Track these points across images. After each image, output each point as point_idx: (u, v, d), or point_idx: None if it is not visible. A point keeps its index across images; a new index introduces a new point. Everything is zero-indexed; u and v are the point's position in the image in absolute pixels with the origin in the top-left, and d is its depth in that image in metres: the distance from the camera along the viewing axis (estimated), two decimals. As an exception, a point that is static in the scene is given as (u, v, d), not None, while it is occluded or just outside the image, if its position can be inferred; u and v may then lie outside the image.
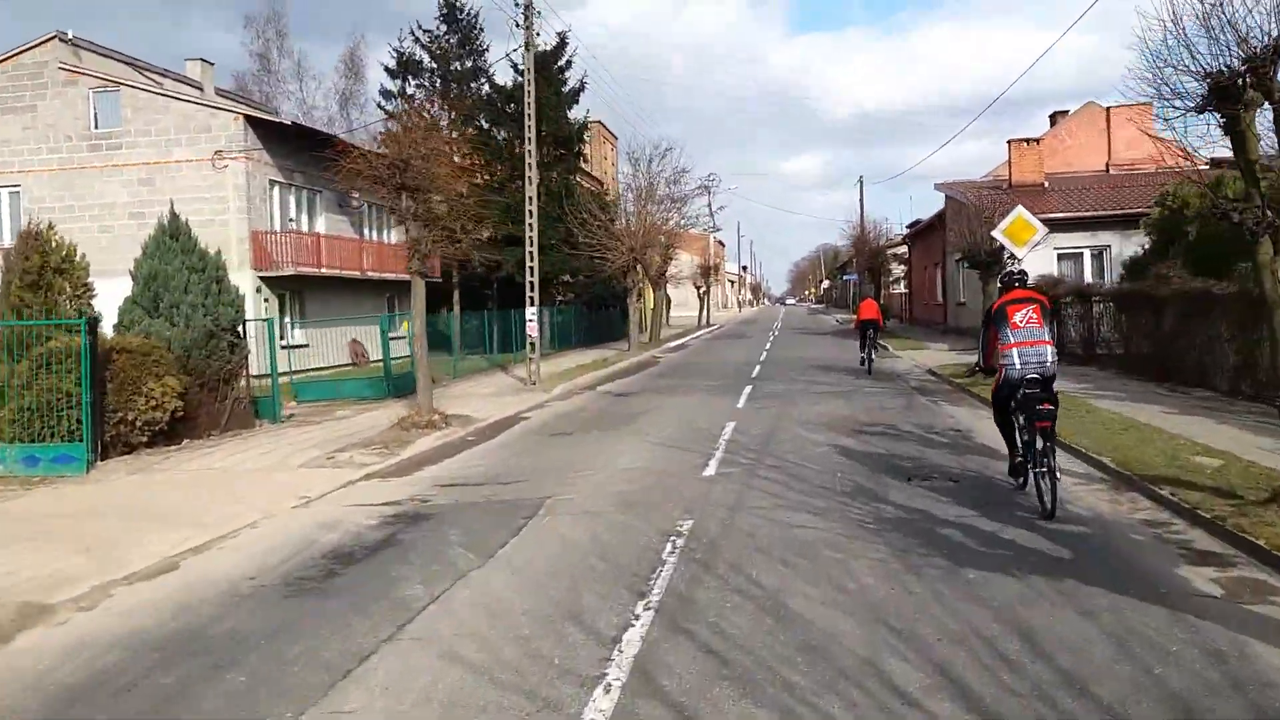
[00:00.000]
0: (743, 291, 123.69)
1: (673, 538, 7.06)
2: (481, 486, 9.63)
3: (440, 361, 25.87)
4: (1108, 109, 35.61)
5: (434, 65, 35.65)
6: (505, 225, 34.28)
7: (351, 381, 19.33)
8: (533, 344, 19.71)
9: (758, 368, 23.38)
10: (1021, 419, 7.69)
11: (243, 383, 14.36)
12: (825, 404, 15.22)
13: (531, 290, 19.67)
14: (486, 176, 35.28)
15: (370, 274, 28.60)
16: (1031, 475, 7.64)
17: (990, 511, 7.56)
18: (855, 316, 25.24)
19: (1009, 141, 30.44)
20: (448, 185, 13.97)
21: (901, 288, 60.74)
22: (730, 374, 21.87)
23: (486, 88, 35.62)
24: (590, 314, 40.46)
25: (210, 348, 13.44)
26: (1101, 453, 9.53)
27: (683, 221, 36.66)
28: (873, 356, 21.17)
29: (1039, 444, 7.31)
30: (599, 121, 76.93)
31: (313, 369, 23.87)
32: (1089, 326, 19.24)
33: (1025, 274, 8.29)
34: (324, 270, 25.88)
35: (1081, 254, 27.23)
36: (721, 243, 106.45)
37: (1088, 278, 26.43)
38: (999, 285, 8.23)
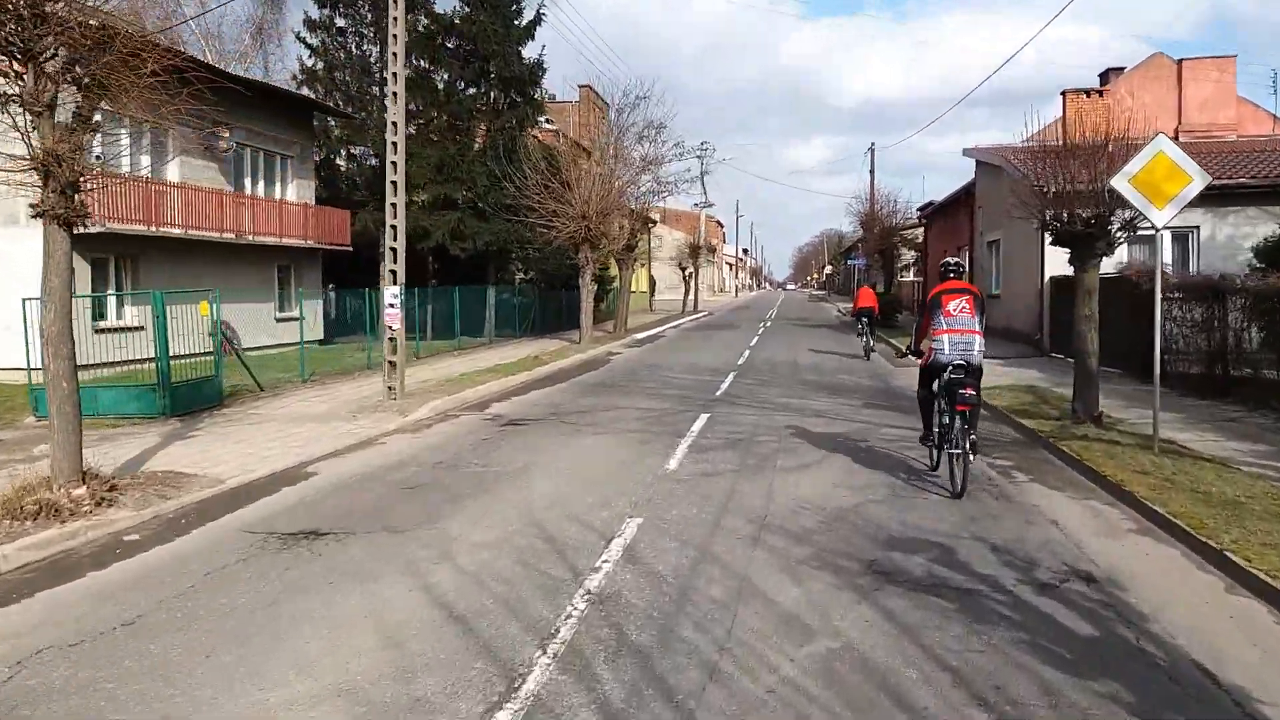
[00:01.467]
0: (740, 275, 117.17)
1: None
2: None
3: (297, 358, 19.47)
4: (1179, 62, 28.89)
5: (364, -9, 28.93)
6: (439, 184, 27.75)
7: (115, 390, 12.85)
8: (393, 340, 13.18)
9: (730, 377, 16.87)
10: (944, 402, 7.78)
11: None
12: (817, 468, 8.75)
13: (394, 260, 13.09)
14: (421, 122, 28.69)
15: (252, 238, 22.09)
16: (944, 456, 7.86)
17: None
18: (853, 304, 24.56)
19: (1064, 93, 23.77)
20: (123, 57, 7.35)
21: (912, 275, 54.11)
22: (689, 388, 15.40)
23: (424, 20, 28.91)
24: (554, 296, 34.04)
25: None
26: None
27: (659, 188, 29.99)
28: (871, 345, 21.40)
29: (957, 425, 7.48)
30: (588, 86, 70.44)
31: (150, 359, 17.41)
32: (1219, 338, 12.71)
33: (961, 265, 8.44)
34: (172, 230, 19.36)
35: (1159, 237, 20.66)
36: (719, 223, 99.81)
37: (1167, 266, 19.95)
38: (938, 273, 8.32)
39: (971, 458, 7.51)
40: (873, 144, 38.91)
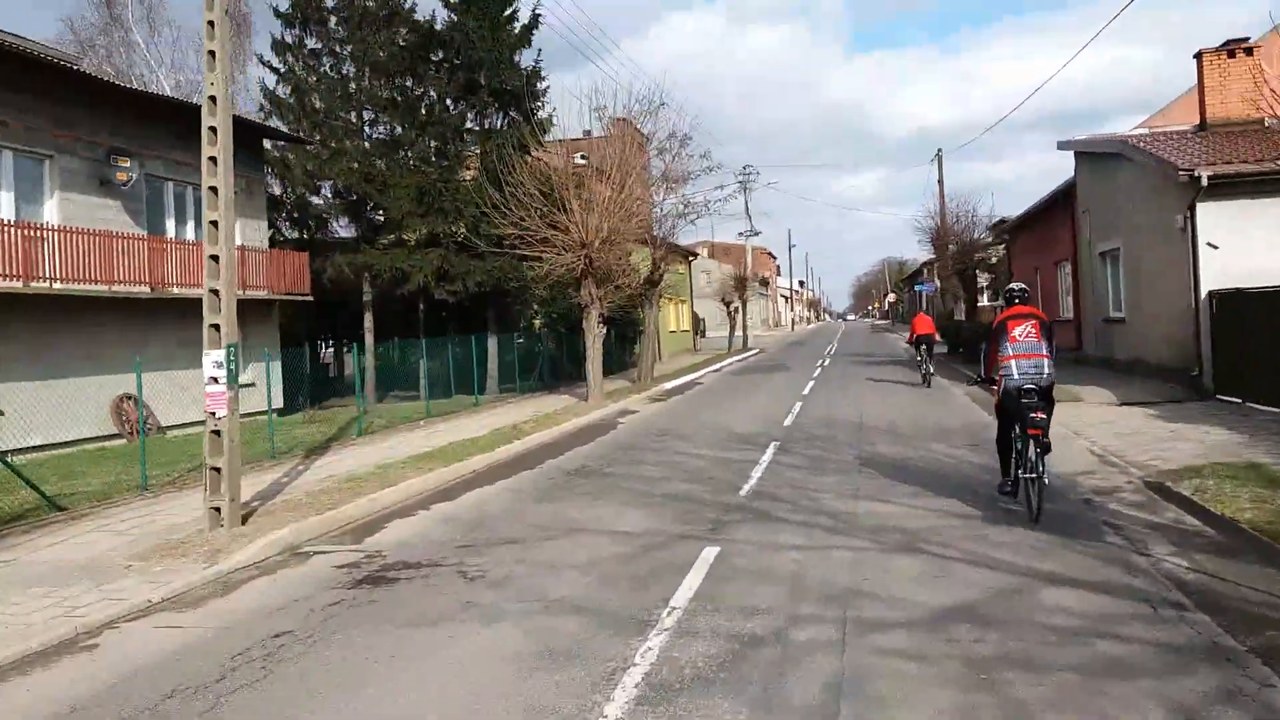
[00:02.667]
0: (797, 308, 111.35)
1: None
2: None
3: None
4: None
5: (336, 5, 24.79)
6: (422, 218, 23.17)
7: None
8: (217, 433, 8.26)
9: (769, 454, 11.58)
10: (1016, 428, 7.65)
11: None
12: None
13: (215, 307, 8.22)
14: (403, 149, 24.27)
15: (177, 290, 17.68)
16: (1022, 482, 7.60)
17: None
18: (910, 332, 23.31)
19: (1199, 55, 18.10)
20: None
21: (986, 300, 47.93)
22: (705, 479, 10.14)
23: (404, 32, 24.63)
24: (575, 342, 29.24)
25: None
26: None
27: (685, 210, 25.02)
28: (930, 370, 20.68)
29: (1031, 450, 7.31)
30: (624, 119, 66.56)
31: (15, 450, 12.86)
32: None
33: (1026, 290, 8.30)
34: (47, 284, 15.03)
35: None
36: (771, 255, 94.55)
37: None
38: (1004, 299, 8.29)
39: (1046, 481, 7.30)
40: (939, 150, 33.31)
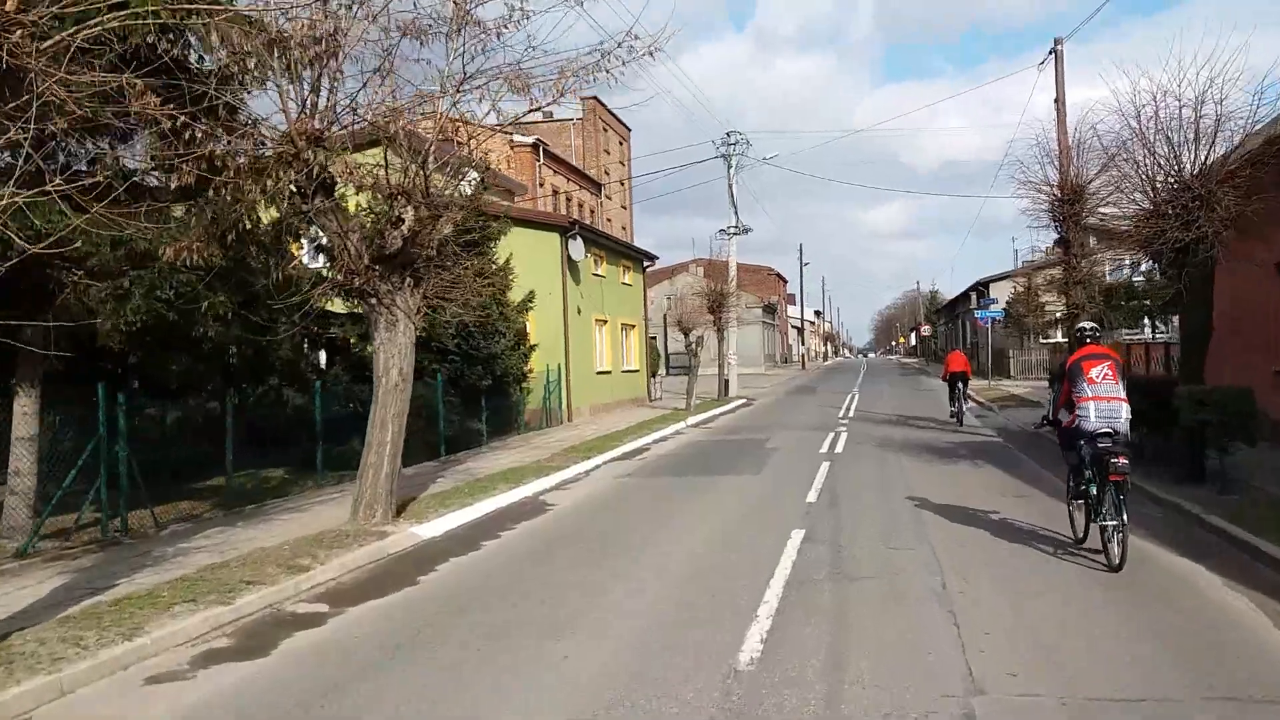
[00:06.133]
0: (811, 341, 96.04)
1: None
2: None
3: None
4: None
5: None
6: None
7: None
8: None
9: None
10: (1092, 472, 7.23)
11: None
12: None
13: None
14: None
15: None
16: (1094, 528, 7.28)
17: None
18: (944, 369, 21.39)
19: None
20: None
21: (1059, 335, 32.82)
22: None
23: None
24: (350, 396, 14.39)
25: None
26: None
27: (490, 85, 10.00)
28: (964, 409, 19.79)
29: (1109, 497, 6.90)
30: (594, 98, 51.74)
31: None
32: None
33: (1098, 329, 7.94)
34: None
35: None
36: (782, 277, 79.68)
37: None
38: (1073, 340, 8.15)
39: (1127, 529, 6.87)
40: (1057, 41, 17.96)
